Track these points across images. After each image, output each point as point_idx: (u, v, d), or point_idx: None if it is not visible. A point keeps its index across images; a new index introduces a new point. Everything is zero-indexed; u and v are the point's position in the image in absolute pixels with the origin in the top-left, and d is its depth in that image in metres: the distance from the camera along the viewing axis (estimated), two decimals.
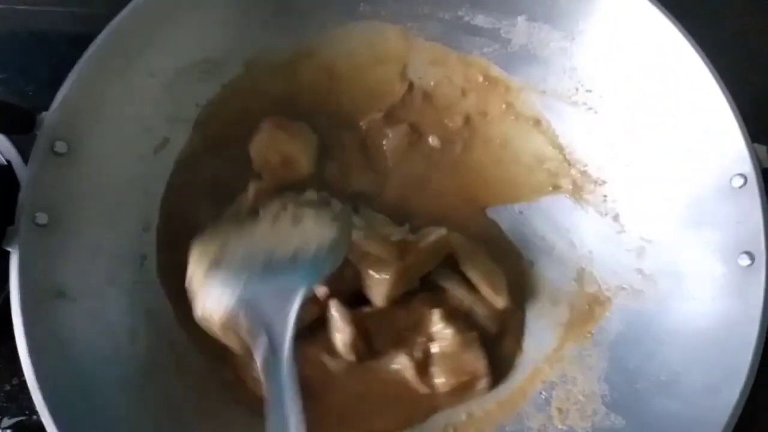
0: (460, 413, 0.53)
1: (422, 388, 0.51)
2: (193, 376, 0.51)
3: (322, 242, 0.45)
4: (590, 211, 0.56)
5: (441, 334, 0.52)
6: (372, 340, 0.52)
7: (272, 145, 0.55)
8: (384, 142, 0.59)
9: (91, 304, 0.47)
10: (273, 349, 0.42)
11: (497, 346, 0.54)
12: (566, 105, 0.56)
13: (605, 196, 0.55)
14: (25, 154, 0.59)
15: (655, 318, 0.49)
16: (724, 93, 0.46)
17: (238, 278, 0.43)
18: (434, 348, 0.52)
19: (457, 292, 0.54)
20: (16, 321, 0.43)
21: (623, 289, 0.52)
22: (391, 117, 0.59)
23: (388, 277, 0.50)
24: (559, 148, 0.57)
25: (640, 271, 0.52)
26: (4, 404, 0.56)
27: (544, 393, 0.52)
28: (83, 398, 0.44)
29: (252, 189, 0.53)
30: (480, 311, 0.54)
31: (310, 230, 0.46)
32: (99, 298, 0.48)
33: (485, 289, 0.54)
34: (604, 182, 0.55)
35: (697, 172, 0.49)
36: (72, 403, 0.44)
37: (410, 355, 0.51)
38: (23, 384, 0.55)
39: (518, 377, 0.53)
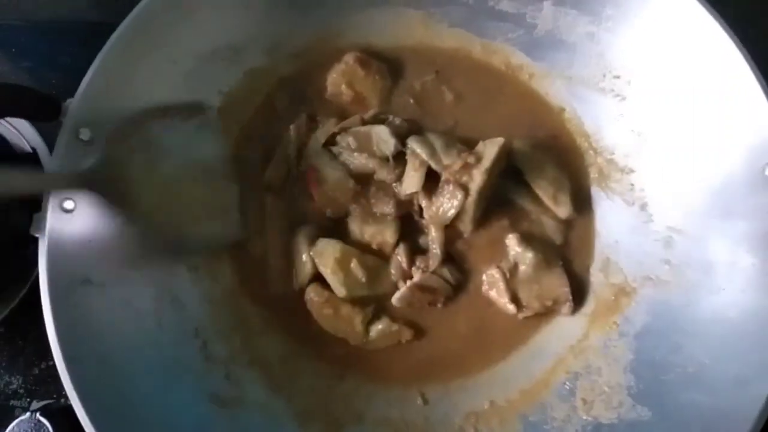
0: (482, 401, 0.52)
1: (511, 308, 0.52)
2: (219, 362, 0.51)
3: None
4: (617, 200, 0.55)
5: (521, 256, 0.53)
6: (464, 263, 0.55)
7: (349, 80, 0.57)
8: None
9: (117, 290, 0.48)
10: None
11: (568, 265, 0.55)
12: (593, 91, 0.55)
13: (632, 184, 0.54)
14: (49, 141, 0.59)
15: (683, 309, 0.48)
16: (758, 79, 0.45)
17: None
18: (518, 274, 0.53)
19: (524, 203, 0.55)
20: (45, 306, 0.44)
21: (649, 279, 0.52)
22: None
23: (470, 200, 0.52)
24: (585, 136, 0.57)
25: (667, 262, 0.51)
26: (33, 387, 0.58)
27: (568, 384, 0.51)
28: (111, 382, 0.45)
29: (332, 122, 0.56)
30: (546, 222, 0.55)
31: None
32: (125, 285, 0.49)
33: (548, 199, 0.54)
34: (631, 171, 0.54)
35: (727, 160, 0.48)
36: (100, 386, 0.44)
37: (500, 268, 0.53)
38: (51, 368, 0.57)
39: (541, 367, 0.53)
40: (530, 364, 0.53)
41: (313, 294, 0.53)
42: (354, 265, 0.53)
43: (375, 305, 0.54)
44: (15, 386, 0.58)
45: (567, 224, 0.55)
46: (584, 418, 0.49)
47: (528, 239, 0.54)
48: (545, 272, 0.53)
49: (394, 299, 0.54)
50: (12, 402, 0.57)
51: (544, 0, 0.54)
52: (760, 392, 0.41)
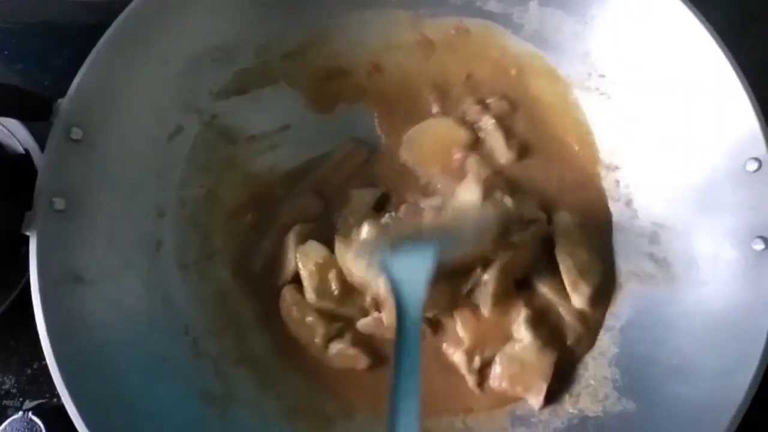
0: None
1: (470, 382, 0.51)
2: (209, 359, 0.52)
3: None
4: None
5: (520, 334, 0.50)
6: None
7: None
8: None
9: (108, 288, 0.48)
10: (403, 312, 0.43)
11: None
12: (579, 90, 0.56)
13: (617, 181, 0.55)
14: (42, 143, 0.59)
15: (668, 303, 0.49)
16: (738, 76, 0.46)
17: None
18: (507, 347, 0.51)
19: (544, 288, 0.52)
20: (36, 305, 0.44)
21: (635, 274, 0.52)
22: None
23: (490, 277, 0.49)
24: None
25: (652, 257, 0.51)
26: (26, 387, 0.58)
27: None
28: (102, 381, 0.45)
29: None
30: (564, 314, 0.51)
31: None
32: (116, 283, 0.49)
33: (568, 282, 0.50)
34: (616, 168, 0.55)
35: (710, 156, 0.48)
36: (92, 385, 0.44)
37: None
38: (44, 368, 0.56)
39: None
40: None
41: (288, 295, 0.54)
42: (332, 275, 0.53)
43: (343, 324, 0.54)
44: (8, 386, 0.58)
45: (583, 318, 0.51)
46: (570, 411, 0.50)
47: (539, 323, 0.50)
48: (534, 360, 0.50)
49: (359, 324, 0.53)
50: (5, 402, 0.57)
51: (530, 0, 0.54)
52: (742, 382, 0.41)
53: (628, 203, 0.54)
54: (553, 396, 0.50)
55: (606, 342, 0.51)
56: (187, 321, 0.52)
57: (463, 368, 0.51)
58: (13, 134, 0.60)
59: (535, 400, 0.50)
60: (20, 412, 0.50)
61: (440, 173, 0.57)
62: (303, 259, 0.53)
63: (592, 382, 0.50)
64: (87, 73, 0.47)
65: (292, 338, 0.54)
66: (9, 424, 0.50)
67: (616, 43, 0.53)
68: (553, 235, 0.52)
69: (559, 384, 0.51)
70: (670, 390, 0.46)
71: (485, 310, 0.51)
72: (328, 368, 0.53)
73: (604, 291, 0.52)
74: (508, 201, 0.52)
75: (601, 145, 0.56)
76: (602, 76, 0.55)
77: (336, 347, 0.53)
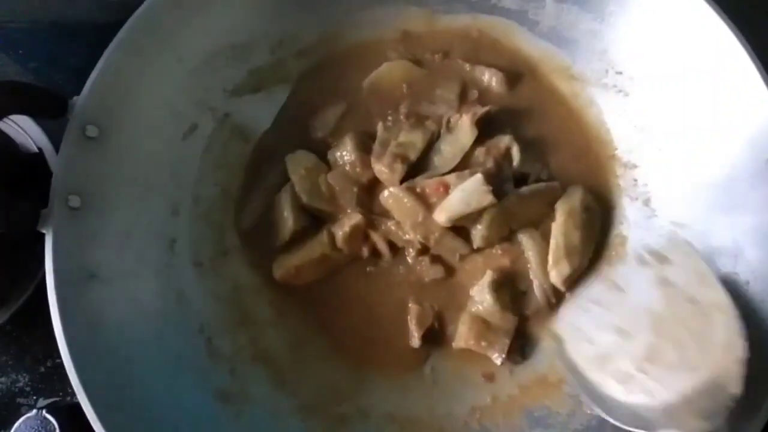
0: (485, 396, 0.52)
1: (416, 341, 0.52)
2: (224, 357, 0.52)
3: None
4: (621, 195, 0.55)
5: (482, 297, 0.52)
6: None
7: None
8: None
9: (123, 286, 0.48)
10: None
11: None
12: (595, 87, 0.56)
13: (635, 180, 0.54)
14: (55, 141, 0.60)
15: None
16: (760, 72, 0.45)
17: None
18: (470, 307, 0.53)
19: (530, 252, 0.53)
20: (51, 303, 0.44)
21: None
22: None
23: (487, 217, 0.51)
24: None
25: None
26: (39, 385, 0.58)
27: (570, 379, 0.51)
28: (118, 380, 0.45)
29: None
30: (536, 281, 0.53)
31: None
32: (131, 281, 0.49)
33: (552, 258, 0.52)
34: (634, 166, 0.54)
35: (730, 153, 0.48)
36: (107, 384, 0.44)
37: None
38: (57, 365, 0.57)
39: (544, 361, 0.53)
40: (533, 359, 0.53)
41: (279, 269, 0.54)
42: (321, 179, 0.54)
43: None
44: (21, 384, 0.58)
45: (552, 293, 0.53)
46: (588, 413, 0.49)
47: (502, 288, 0.52)
48: (495, 323, 0.52)
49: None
50: (18, 399, 0.57)
51: None
52: (764, 387, 0.41)
53: (646, 202, 0.53)
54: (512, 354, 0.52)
55: None
56: (202, 319, 0.52)
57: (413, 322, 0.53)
58: (26, 132, 0.60)
59: (497, 356, 0.52)
60: (34, 410, 0.51)
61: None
62: (292, 166, 0.55)
63: None
64: (102, 71, 0.48)
65: (319, 329, 0.54)
66: (23, 422, 0.50)
67: (634, 39, 0.52)
68: (557, 208, 0.53)
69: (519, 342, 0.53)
70: None
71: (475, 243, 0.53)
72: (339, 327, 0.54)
73: (581, 276, 0.53)
74: (516, 152, 0.54)
75: (618, 144, 0.55)
76: (619, 73, 0.54)
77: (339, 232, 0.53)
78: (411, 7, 0.57)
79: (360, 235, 0.54)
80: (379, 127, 0.56)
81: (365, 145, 0.55)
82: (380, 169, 0.53)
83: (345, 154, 0.55)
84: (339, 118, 0.57)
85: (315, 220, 0.55)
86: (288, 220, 0.54)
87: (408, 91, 0.57)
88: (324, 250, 0.54)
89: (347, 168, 0.55)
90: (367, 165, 0.54)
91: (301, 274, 0.54)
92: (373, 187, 0.55)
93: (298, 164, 0.55)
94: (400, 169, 0.53)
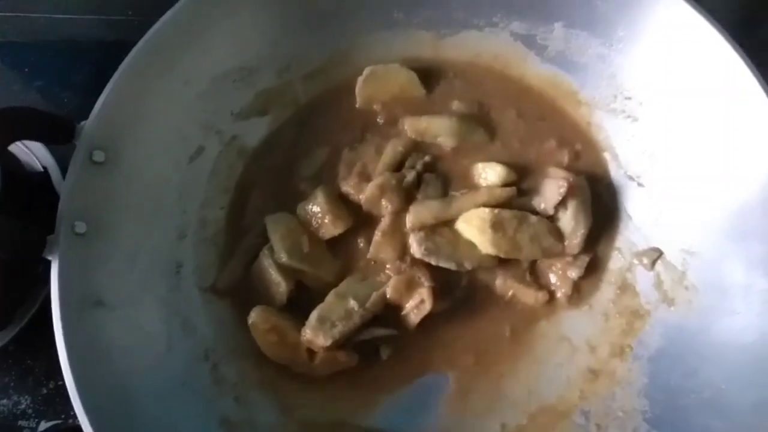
0: (494, 424, 0.52)
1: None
2: (229, 384, 0.51)
3: None
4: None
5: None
6: None
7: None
8: None
9: (128, 312, 0.48)
10: None
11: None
12: (604, 113, 0.55)
13: None
14: (60, 161, 0.59)
15: (698, 333, 0.48)
16: None
17: None
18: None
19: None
20: (57, 329, 0.44)
21: (663, 302, 0.51)
22: None
23: None
24: None
25: (680, 284, 0.50)
26: (41, 408, 0.57)
27: (581, 408, 0.51)
28: (121, 405, 0.45)
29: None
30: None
31: None
32: (136, 307, 0.49)
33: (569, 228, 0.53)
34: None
35: (741, 181, 0.47)
36: (110, 409, 0.44)
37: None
38: (59, 388, 0.56)
39: (552, 391, 0.52)
40: (541, 387, 0.52)
41: (258, 319, 0.51)
42: (303, 239, 0.53)
43: None
44: (23, 406, 0.57)
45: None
46: None
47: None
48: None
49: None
50: (20, 422, 0.57)
51: (555, 21, 0.54)
52: None
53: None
54: None
55: (635, 372, 0.50)
56: (207, 345, 0.52)
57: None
58: (32, 152, 0.60)
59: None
60: None
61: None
62: (272, 227, 0.53)
63: (621, 413, 0.49)
64: (110, 96, 0.47)
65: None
66: None
67: (643, 65, 0.52)
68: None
69: None
70: (702, 424, 0.45)
71: None
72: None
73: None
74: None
75: (627, 169, 0.55)
76: (629, 98, 0.54)
77: (318, 357, 0.51)
78: (419, 31, 0.57)
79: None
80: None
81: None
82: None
83: (313, 207, 0.54)
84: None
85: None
86: (281, 284, 0.53)
87: None
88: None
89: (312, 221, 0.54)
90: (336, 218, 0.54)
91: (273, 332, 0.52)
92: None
93: (278, 226, 0.54)
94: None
